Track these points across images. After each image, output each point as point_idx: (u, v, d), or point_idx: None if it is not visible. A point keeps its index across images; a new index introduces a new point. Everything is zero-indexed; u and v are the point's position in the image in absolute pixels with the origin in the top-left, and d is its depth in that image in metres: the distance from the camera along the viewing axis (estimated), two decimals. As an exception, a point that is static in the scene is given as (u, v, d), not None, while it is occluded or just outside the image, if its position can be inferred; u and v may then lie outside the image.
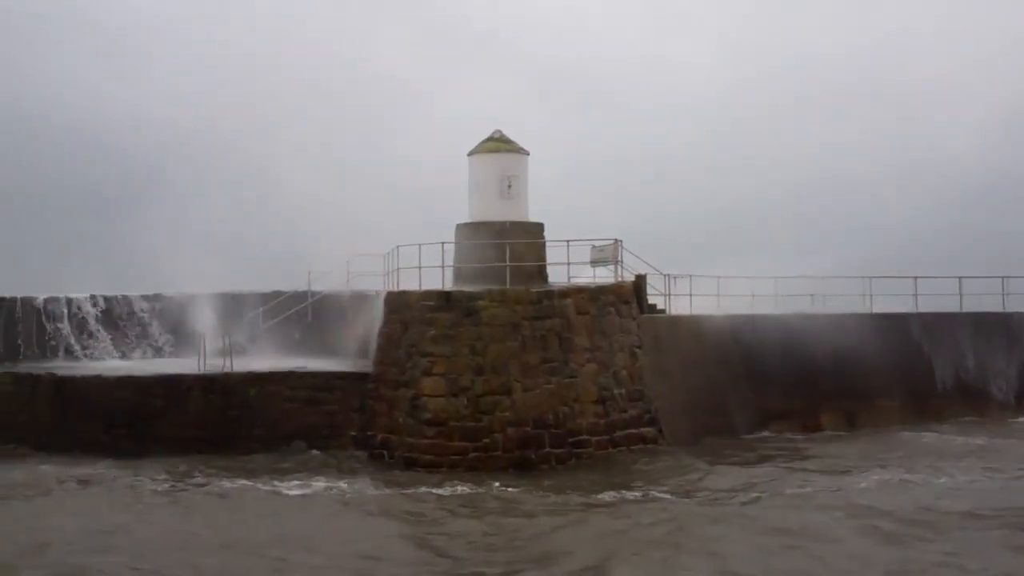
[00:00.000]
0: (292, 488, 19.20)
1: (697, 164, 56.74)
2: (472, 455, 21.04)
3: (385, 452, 21.81)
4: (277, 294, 27.23)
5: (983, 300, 30.74)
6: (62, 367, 25.13)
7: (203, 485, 19.47)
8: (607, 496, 18.50)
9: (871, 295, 29.17)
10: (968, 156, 51.42)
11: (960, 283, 30.49)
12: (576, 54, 66.04)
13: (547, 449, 21.43)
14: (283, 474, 20.40)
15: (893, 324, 28.04)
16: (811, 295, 28.46)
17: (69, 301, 28.15)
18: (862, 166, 56.41)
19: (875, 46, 61.02)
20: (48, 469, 20.43)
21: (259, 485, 19.40)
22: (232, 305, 27.32)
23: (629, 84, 65.96)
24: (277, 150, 59.52)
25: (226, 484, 19.49)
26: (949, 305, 30.14)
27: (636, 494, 18.69)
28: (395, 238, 24.71)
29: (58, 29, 52.86)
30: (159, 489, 19.01)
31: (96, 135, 45.58)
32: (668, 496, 18.50)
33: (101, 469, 20.46)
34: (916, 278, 29.84)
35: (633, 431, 22.58)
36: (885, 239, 44.44)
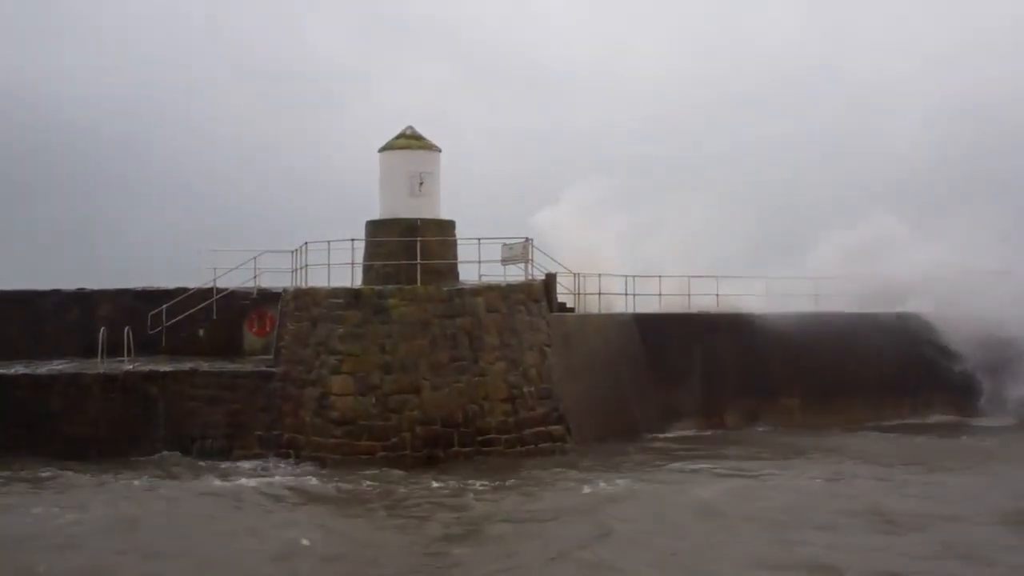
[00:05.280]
0: (193, 488, 18.84)
1: (644, 158, 57.18)
2: (380, 454, 20.92)
3: (292, 452, 21.51)
4: (182, 290, 26.59)
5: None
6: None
7: (102, 484, 19.01)
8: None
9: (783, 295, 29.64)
10: (911, 153, 52.69)
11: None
12: (522, 43, 65.98)
13: (456, 448, 21.42)
14: (185, 473, 20.06)
15: (800, 323, 28.51)
16: (716, 294, 28.88)
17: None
18: (810, 162, 57.46)
19: (825, 42, 62.40)
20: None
21: (159, 484, 19.01)
22: (135, 301, 26.58)
23: (577, 76, 66.26)
24: (193, 140, 58.53)
25: (126, 483, 19.07)
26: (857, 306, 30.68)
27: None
28: (308, 233, 24.48)
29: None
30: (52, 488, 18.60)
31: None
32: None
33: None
34: (816, 279, 30.45)
35: (541, 429, 22.67)
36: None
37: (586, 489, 18.56)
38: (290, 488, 18.79)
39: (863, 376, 28.72)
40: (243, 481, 19.37)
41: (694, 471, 20.65)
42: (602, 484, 18.83)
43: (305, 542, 14.90)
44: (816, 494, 18.28)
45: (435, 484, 18.99)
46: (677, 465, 21.35)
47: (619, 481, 19.19)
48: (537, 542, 15.03)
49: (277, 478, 19.77)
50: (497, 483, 19.12)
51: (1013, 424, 27.68)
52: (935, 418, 28.97)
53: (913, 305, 29.87)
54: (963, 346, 28.67)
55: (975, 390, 29.12)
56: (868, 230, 32.41)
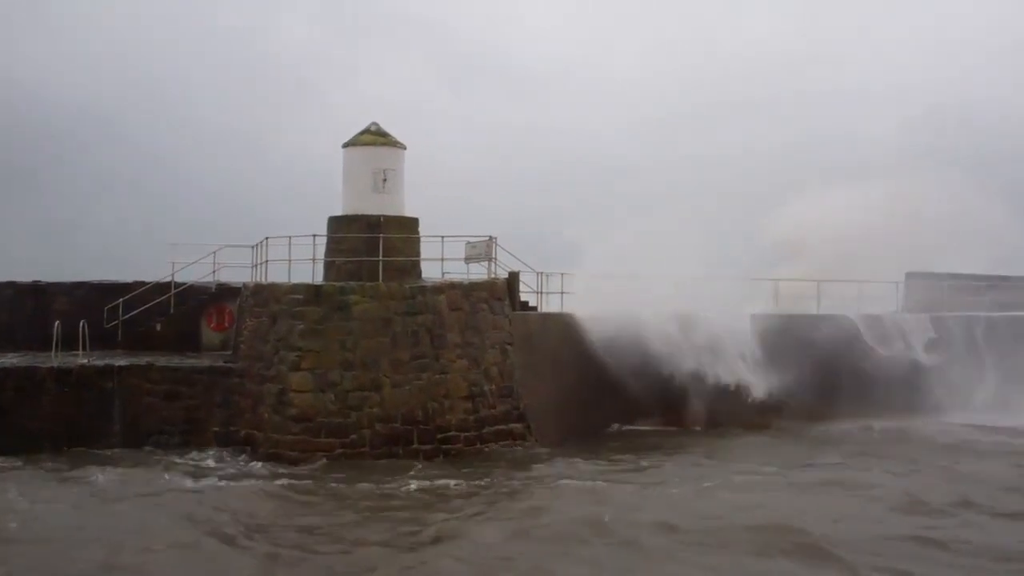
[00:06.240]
0: (148, 484, 18.53)
1: (619, 160, 57.34)
2: (339, 451, 20.75)
3: (249, 448, 21.27)
4: (139, 284, 26.21)
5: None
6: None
7: (49, 482, 18.69)
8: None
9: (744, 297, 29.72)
10: (886, 157, 53.32)
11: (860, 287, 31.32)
12: (497, 41, 65.83)
13: (415, 445, 21.29)
14: (139, 469, 19.75)
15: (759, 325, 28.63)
16: (680, 294, 28.82)
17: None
18: (784, 168, 57.97)
19: (802, 45, 62.97)
20: None
21: (114, 480, 18.71)
22: (91, 295, 26.17)
23: (552, 76, 66.26)
24: (154, 134, 57.86)
25: (76, 479, 18.79)
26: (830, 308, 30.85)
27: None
28: (270, 228, 24.24)
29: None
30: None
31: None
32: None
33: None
34: (777, 280, 30.61)
35: (502, 427, 22.61)
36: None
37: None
38: (226, 486, 18.56)
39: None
40: (187, 479, 19.10)
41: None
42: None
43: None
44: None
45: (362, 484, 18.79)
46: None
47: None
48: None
49: (223, 472, 19.61)
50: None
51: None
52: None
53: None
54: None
55: None
56: None
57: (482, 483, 18.94)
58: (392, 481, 18.85)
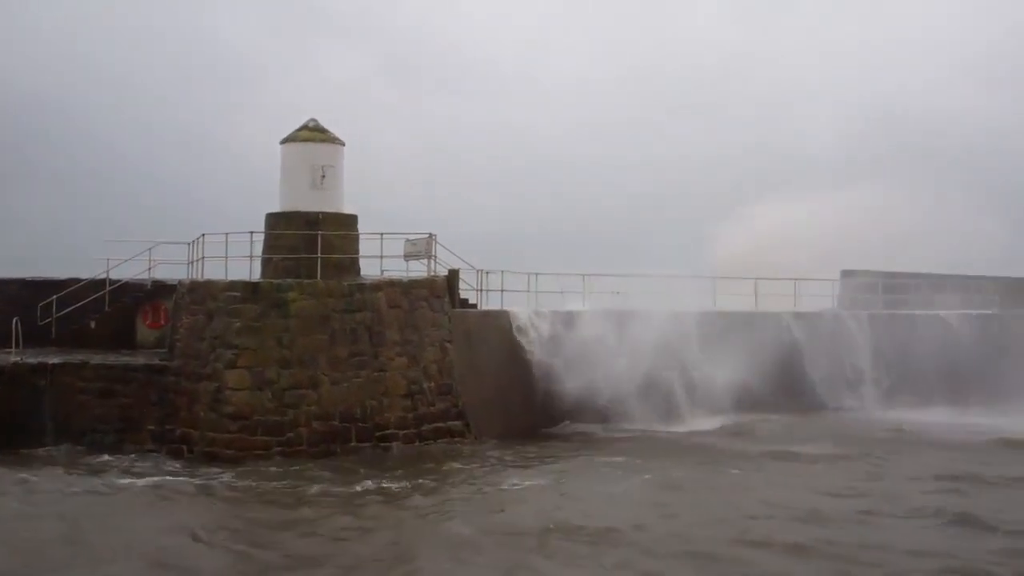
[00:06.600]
0: (81, 483, 18.36)
1: (561, 160, 57.48)
2: (276, 450, 20.67)
3: (185, 447, 21.09)
4: (73, 281, 25.83)
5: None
6: None
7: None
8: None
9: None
10: (822, 154, 54.06)
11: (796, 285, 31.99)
12: (443, 37, 65.54)
13: (353, 443, 21.28)
14: (73, 469, 19.54)
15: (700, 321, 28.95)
16: (618, 292, 29.13)
17: None
18: (724, 170, 58.57)
19: (744, 44, 63.65)
20: None
21: (46, 480, 18.48)
22: (24, 291, 25.73)
23: (498, 73, 66.19)
24: (89, 128, 56.83)
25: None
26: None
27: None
28: (207, 225, 24.03)
29: None
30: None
31: None
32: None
33: None
34: (715, 278, 31.06)
35: (441, 425, 22.68)
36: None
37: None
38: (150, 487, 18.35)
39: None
40: (114, 479, 18.87)
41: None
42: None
43: None
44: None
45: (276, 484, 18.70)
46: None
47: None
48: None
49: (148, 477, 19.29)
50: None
51: None
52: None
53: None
54: None
55: None
56: None
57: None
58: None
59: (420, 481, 18.89)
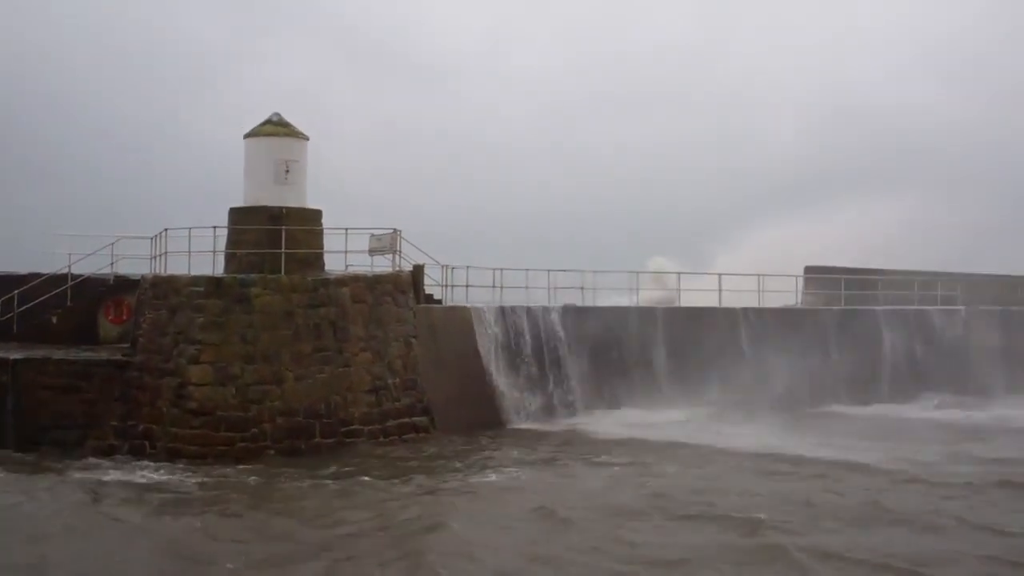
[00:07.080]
0: (44, 481, 18.24)
1: (522, 154, 57.50)
2: (239, 446, 20.65)
3: (147, 443, 21.01)
4: (35, 276, 25.59)
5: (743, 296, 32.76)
6: None
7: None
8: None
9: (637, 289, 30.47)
10: (783, 150, 54.43)
11: (761, 280, 32.17)
12: (405, 29, 65.23)
13: (318, 439, 21.29)
14: (35, 467, 19.43)
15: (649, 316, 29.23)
16: (582, 287, 29.35)
17: None
18: (688, 165, 58.83)
19: (704, 39, 63.91)
20: None
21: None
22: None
23: (461, 65, 66.03)
24: (50, 120, 56.16)
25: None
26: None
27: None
28: (170, 219, 23.89)
29: None
30: None
31: None
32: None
33: None
34: (680, 274, 31.35)
35: (405, 420, 22.76)
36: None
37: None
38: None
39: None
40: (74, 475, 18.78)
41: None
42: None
43: None
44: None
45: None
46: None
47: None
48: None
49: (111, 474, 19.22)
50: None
51: None
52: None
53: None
54: None
55: None
56: None
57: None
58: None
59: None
